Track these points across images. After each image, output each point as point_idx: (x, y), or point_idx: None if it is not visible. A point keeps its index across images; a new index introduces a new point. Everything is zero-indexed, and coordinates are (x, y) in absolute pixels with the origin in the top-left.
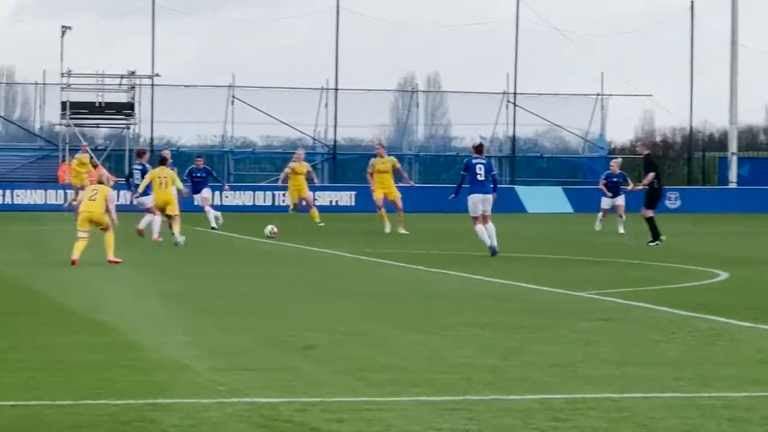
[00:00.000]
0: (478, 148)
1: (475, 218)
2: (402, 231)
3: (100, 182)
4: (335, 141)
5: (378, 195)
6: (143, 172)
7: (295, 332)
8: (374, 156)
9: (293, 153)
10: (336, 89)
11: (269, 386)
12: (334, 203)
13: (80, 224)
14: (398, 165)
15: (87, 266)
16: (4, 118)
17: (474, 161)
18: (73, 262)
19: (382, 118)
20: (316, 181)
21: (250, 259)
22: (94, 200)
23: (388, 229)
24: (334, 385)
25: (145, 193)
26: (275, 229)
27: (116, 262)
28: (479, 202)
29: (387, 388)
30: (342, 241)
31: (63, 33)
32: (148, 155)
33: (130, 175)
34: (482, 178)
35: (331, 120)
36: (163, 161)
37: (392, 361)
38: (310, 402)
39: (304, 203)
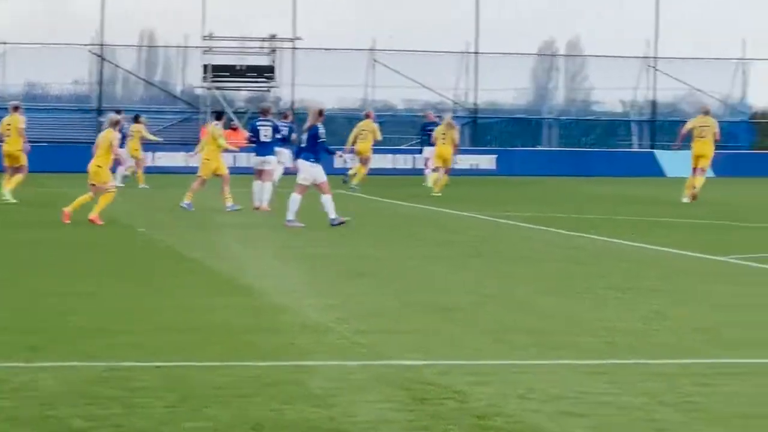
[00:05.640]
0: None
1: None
2: None
3: None
4: (476, 104)
5: None
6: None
7: (437, 295)
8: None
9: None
10: (476, 53)
11: (413, 349)
12: (474, 167)
13: None
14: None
15: (231, 229)
16: (145, 80)
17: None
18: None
19: (523, 82)
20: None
21: (391, 223)
22: None
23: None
24: (476, 347)
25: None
26: None
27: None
28: (258, 163)
29: (529, 350)
30: (483, 204)
31: None
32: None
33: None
34: (267, 140)
35: (471, 83)
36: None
37: (533, 324)
38: (453, 364)
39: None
